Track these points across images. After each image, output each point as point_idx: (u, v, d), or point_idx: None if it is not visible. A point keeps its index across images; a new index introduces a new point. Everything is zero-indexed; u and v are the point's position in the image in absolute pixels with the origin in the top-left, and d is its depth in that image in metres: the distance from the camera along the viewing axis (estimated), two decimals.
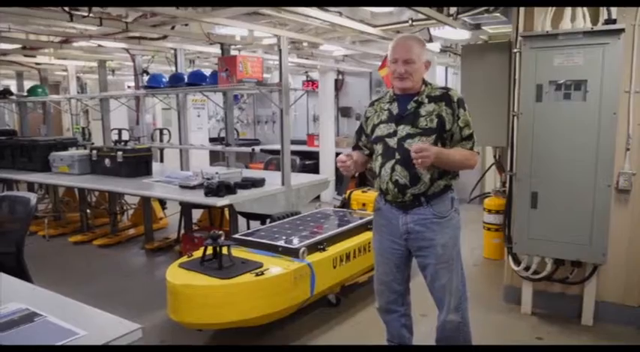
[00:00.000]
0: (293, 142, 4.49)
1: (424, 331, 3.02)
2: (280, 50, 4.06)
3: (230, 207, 3.96)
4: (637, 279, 3.32)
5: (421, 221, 2.42)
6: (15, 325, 1.58)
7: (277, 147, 8.12)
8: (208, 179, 4.15)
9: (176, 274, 3.00)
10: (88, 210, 6.21)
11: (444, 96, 2.40)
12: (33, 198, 2.81)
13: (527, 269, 3.50)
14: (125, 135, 6.42)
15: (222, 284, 2.86)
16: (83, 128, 6.97)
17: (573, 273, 3.39)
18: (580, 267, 3.35)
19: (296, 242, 3.37)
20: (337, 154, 7.85)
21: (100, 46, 4.98)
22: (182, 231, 5.35)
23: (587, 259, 3.26)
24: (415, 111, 2.41)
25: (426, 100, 2.41)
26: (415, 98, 2.43)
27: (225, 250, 3.06)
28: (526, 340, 3.25)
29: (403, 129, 2.41)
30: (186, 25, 4.36)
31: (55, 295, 1.88)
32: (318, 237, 3.48)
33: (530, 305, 3.60)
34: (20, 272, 2.64)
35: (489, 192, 5.56)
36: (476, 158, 2.44)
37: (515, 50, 3.41)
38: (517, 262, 3.56)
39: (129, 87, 9.54)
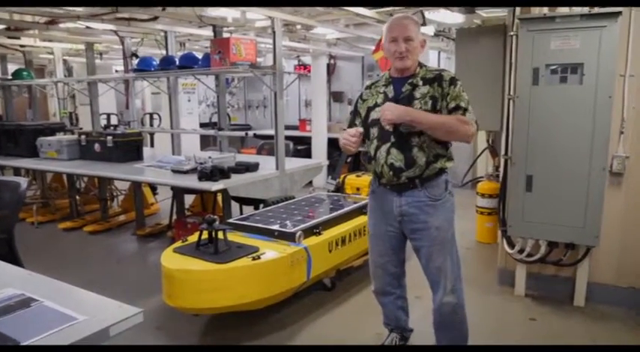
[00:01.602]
0: (285, 127, 4.44)
1: (419, 313, 3.04)
2: (274, 32, 3.99)
3: (224, 191, 3.92)
4: (629, 261, 3.36)
5: (415, 203, 2.44)
6: (12, 310, 1.55)
7: (270, 132, 8.08)
8: (201, 163, 4.10)
9: (171, 259, 2.97)
10: (78, 197, 6.14)
11: (437, 78, 2.39)
12: (23, 182, 2.75)
13: (521, 251, 3.53)
14: (113, 120, 6.31)
15: (219, 268, 2.83)
16: (70, 113, 6.84)
17: (567, 255, 3.42)
18: (573, 249, 3.39)
19: (291, 226, 3.35)
20: (329, 139, 7.85)
21: (87, 27, 4.86)
22: (174, 217, 5.31)
23: (580, 241, 3.29)
24: (410, 93, 2.41)
25: (420, 83, 2.41)
26: (410, 80, 2.43)
27: (220, 235, 3.03)
28: (520, 321, 3.29)
29: None
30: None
31: (51, 280, 1.84)
32: (314, 221, 3.47)
33: (524, 287, 3.63)
34: (12, 258, 2.59)
35: (482, 177, 5.59)
36: (470, 125, 2.29)
37: (511, 33, 3.39)
38: (511, 245, 3.58)
39: (117, 71, 9.38)
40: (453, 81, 2.37)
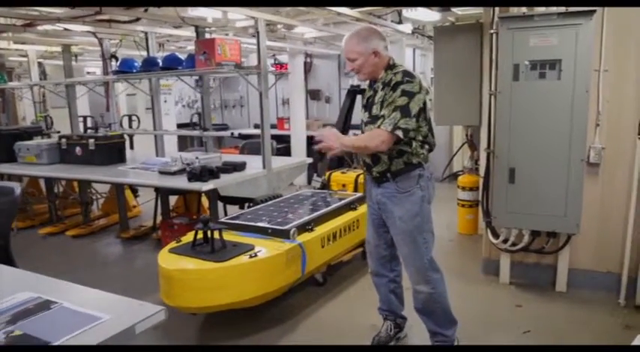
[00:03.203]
0: None
1: (409, 304, 3.10)
2: (258, 32, 4.02)
3: (212, 191, 3.93)
4: (606, 247, 3.53)
5: (387, 194, 2.63)
6: (33, 313, 1.54)
7: (251, 131, 8.08)
8: (188, 164, 4.11)
9: (168, 259, 2.99)
10: (57, 201, 6.03)
11: (389, 81, 2.50)
12: (17, 187, 2.72)
13: (505, 241, 3.68)
14: (89, 123, 6.20)
15: (217, 267, 2.87)
16: (46, 116, 6.69)
17: (549, 244, 3.58)
18: (555, 238, 3.55)
19: (284, 223, 3.40)
20: (308, 137, 7.90)
21: (65, 29, 4.78)
22: (159, 218, 5.28)
23: (562, 230, 3.45)
24: (372, 99, 2.59)
25: (380, 87, 2.56)
26: (374, 86, 2.62)
27: (216, 234, 3.06)
28: (507, 308, 3.44)
29: (366, 116, 2.64)
30: (158, 7, 4.24)
31: (62, 282, 1.84)
32: (306, 218, 3.53)
33: (508, 276, 3.78)
34: (8, 264, 2.56)
35: (461, 171, 5.74)
36: (379, 137, 2.42)
37: (492, 31, 3.52)
38: (496, 235, 3.72)
39: (88, 72, 9.21)
40: (395, 85, 2.46)
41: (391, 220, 2.64)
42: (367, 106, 2.63)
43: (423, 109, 2.48)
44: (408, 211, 2.57)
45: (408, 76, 2.46)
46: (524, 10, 3.32)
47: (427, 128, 2.56)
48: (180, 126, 8.67)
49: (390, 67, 2.56)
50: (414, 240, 2.60)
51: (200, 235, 3.11)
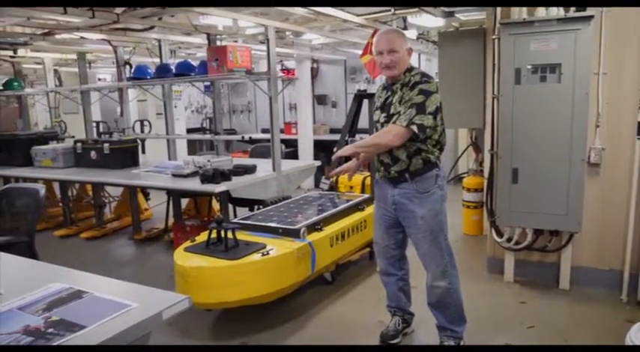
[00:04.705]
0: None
1: (416, 301, 3.21)
2: (268, 39, 4.16)
3: (224, 193, 4.06)
4: (607, 244, 3.63)
5: (405, 194, 2.72)
6: (66, 301, 1.66)
7: (259, 136, 8.24)
8: (200, 167, 4.24)
9: (185, 257, 3.12)
10: (70, 204, 6.19)
11: (408, 82, 2.64)
12: (41, 188, 2.87)
13: (509, 240, 3.78)
14: (101, 128, 6.37)
15: (231, 264, 2.99)
16: (60, 121, 6.88)
17: (551, 242, 3.68)
18: (557, 236, 3.65)
19: (294, 223, 3.52)
20: (315, 142, 8.04)
21: (82, 38, 4.95)
22: (170, 221, 5.41)
23: (564, 228, 3.55)
24: (391, 99, 2.70)
25: (399, 88, 2.67)
26: (393, 87, 2.71)
27: (229, 234, 3.18)
28: (511, 304, 3.53)
29: (383, 117, 2.73)
30: (172, 15, 4.40)
31: (90, 274, 1.98)
32: (315, 218, 3.65)
33: (513, 274, 3.88)
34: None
35: (466, 173, 5.84)
36: (392, 131, 2.54)
37: (494, 36, 3.64)
38: (500, 234, 3.82)
39: (100, 79, 9.40)
40: (414, 85, 2.60)
41: (412, 220, 2.72)
42: (384, 107, 2.73)
43: (440, 109, 2.61)
44: (431, 210, 2.68)
45: (426, 76, 2.63)
46: (524, 16, 3.43)
47: (441, 128, 2.69)
48: (189, 131, 8.85)
49: (409, 69, 2.70)
50: (436, 237, 2.71)
51: (214, 234, 3.23)
